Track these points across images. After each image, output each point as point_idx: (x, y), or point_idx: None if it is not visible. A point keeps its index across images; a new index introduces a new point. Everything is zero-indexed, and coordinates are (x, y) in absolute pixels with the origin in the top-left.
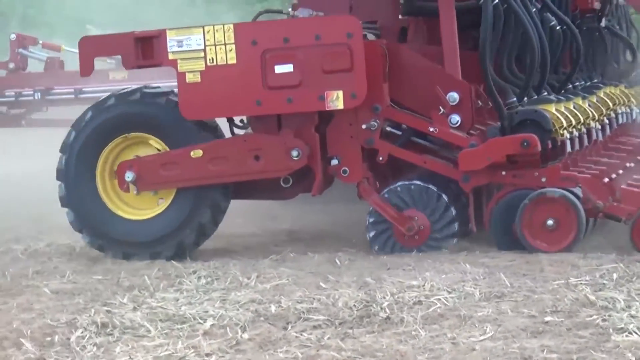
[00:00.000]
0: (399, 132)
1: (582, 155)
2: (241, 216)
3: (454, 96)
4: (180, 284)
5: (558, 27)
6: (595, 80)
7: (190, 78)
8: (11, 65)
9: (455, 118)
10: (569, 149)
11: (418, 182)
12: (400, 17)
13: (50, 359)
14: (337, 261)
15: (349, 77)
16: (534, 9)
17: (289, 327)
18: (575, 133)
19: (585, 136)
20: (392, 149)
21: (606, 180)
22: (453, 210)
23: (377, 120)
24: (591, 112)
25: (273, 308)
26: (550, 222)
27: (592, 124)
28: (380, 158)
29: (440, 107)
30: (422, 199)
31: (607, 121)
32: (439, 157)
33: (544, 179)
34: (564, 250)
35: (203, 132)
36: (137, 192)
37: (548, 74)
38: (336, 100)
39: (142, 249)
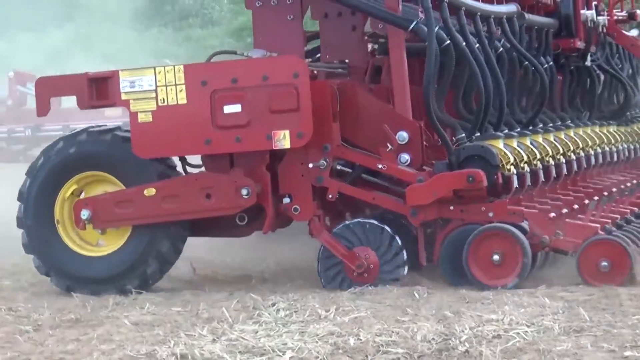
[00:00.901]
0: (349, 170)
1: (540, 190)
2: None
3: (403, 135)
4: (259, 316)
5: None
6: (576, 120)
7: (142, 118)
8: (10, 102)
9: (405, 157)
10: (515, 184)
11: (371, 221)
12: (377, 56)
13: None
14: (416, 294)
15: (296, 117)
16: (501, 49)
17: None
18: (527, 168)
19: (541, 172)
20: (342, 186)
21: (552, 215)
22: (398, 241)
23: (327, 159)
24: (550, 149)
25: (352, 341)
26: (496, 256)
27: (551, 160)
28: (330, 196)
29: (388, 144)
30: (374, 238)
31: (574, 158)
32: (390, 193)
33: (491, 214)
34: (510, 284)
35: (152, 166)
36: (102, 232)
37: (505, 111)
38: (283, 140)
39: (108, 284)
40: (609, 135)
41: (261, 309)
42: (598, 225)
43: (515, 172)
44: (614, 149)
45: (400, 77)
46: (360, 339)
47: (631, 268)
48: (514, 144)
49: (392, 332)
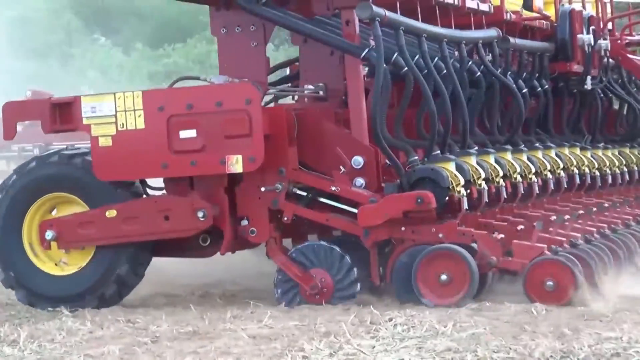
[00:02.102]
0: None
1: (507, 208)
2: None
3: (358, 160)
4: (376, 331)
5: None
6: (558, 140)
7: (102, 142)
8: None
9: (360, 181)
10: (465, 206)
11: (322, 243)
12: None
13: None
14: (534, 311)
15: (248, 142)
16: (479, 73)
17: None
18: (484, 186)
19: (503, 189)
20: (297, 209)
21: (501, 236)
22: (355, 271)
23: (282, 183)
24: (520, 167)
25: (469, 357)
26: (443, 276)
27: (519, 178)
28: (285, 218)
29: (341, 167)
30: (327, 259)
31: (550, 177)
32: (346, 215)
33: (441, 235)
34: (457, 303)
35: (119, 191)
36: (66, 251)
37: (469, 133)
38: (236, 164)
39: (67, 303)
40: (605, 158)
41: (379, 323)
42: (544, 246)
43: (465, 194)
44: (608, 171)
45: (357, 102)
46: (478, 356)
47: (576, 287)
48: (472, 161)
49: (510, 348)
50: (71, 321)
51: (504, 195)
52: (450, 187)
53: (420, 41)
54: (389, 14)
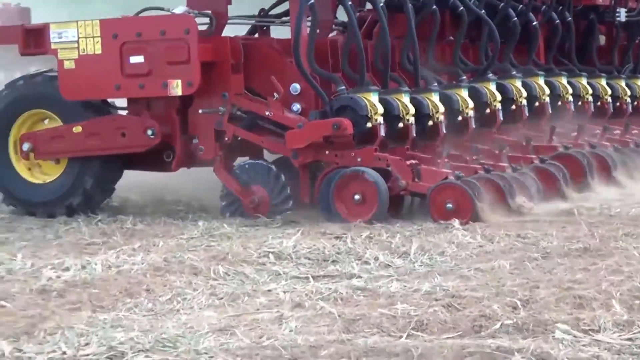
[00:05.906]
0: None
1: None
2: None
3: (296, 87)
4: None
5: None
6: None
7: (67, 65)
8: None
9: (297, 106)
10: (382, 133)
11: (261, 161)
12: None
13: None
14: None
15: (186, 68)
16: (461, 8)
17: None
18: (411, 120)
19: (442, 125)
20: (236, 130)
21: (413, 162)
22: (288, 189)
23: (225, 106)
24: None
25: None
26: (357, 196)
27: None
28: (226, 138)
29: (275, 94)
30: (263, 176)
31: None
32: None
33: (359, 159)
34: (368, 220)
35: (88, 110)
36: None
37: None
38: (176, 88)
39: (40, 208)
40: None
41: None
42: (449, 171)
43: (381, 121)
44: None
45: (298, 32)
46: None
47: (473, 209)
48: (404, 98)
49: None
50: (462, 234)
51: (443, 130)
52: (369, 115)
53: None
54: None
